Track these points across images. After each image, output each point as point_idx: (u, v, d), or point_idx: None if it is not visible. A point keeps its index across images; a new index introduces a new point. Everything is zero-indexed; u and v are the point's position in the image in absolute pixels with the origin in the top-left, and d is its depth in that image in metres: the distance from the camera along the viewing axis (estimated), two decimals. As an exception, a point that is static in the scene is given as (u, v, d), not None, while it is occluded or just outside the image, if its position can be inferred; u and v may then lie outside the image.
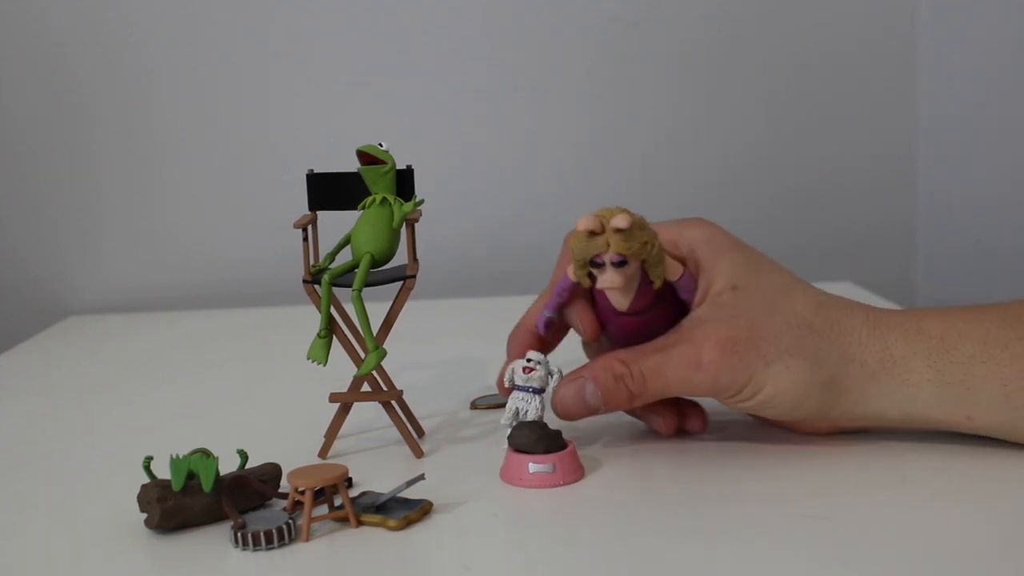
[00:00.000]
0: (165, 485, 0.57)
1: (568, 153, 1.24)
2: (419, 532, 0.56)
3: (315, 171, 0.68)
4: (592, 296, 0.64)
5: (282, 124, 1.21)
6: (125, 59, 1.18)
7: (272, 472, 0.60)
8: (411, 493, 0.58)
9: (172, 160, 1.21)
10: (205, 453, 0.58)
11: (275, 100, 1.21)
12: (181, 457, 0.57)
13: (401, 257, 0.67)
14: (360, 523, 0.56)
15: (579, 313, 0.64)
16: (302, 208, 0.68)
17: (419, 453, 0.67)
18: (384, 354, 0.65)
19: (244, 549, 0.54)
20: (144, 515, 0.57)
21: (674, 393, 0.63)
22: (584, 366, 0.64)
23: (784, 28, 1.23)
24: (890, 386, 0.61)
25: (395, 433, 0.68)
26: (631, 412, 0.68)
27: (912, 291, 1.27)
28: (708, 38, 1.23)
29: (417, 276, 0.66)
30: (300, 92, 1.21)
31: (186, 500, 0.56)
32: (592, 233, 0.58)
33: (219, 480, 0.57)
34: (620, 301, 0.61)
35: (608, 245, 0.58)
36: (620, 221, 0.58)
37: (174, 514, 0.56)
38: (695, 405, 0.68)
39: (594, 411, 0.63)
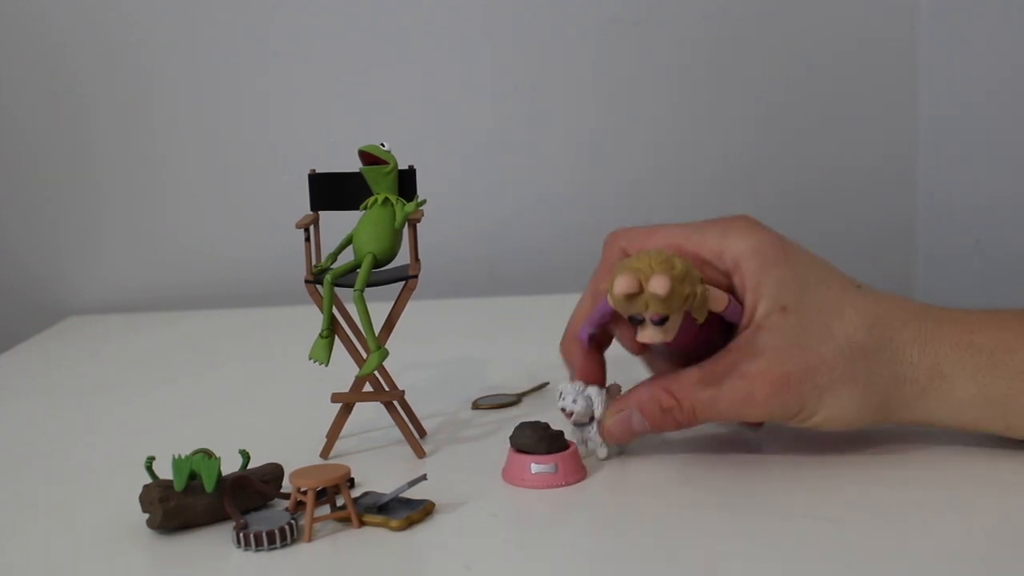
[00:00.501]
0: (167, 485, 0.57)
1: (569, 153, 1.24)
2: (421, 532, 0.55)
3: (317, 171, 0.68)
4: None
5: (282, 124, 1.21)
6: (125, 59, 1.18)
7: (274, 472, 0.60)
8: (413, 493, 0.58)
9: (172, 160, 1.21)
10: (207, 453, 0.58)
11: (275, 100, 1.21)
12: (183, 457, 0.57)
13: (403, 257, 0.67)
14: (362, 523, 0.56)
15: (622, 333, 0.64)
16: (303, 208, 0.68)
17: (421, 453, 0.67)
18: (386, 354, 0.65)
19: (246, 549, 0.54)
20: (146, 515, 0.57)
21: (726, 421, 0.65)
22: (631, 392, 0.64)
23: (784, 29, 1.23)
24: (937, 401, 0.61)
25: (397, 433, 0.68)
26: None
27: (912, 291, 1.27)
28: (708, 38, 1.23)
29: (419, 276, 0.66)
30: (300, 92, 1.21)
31: (188, 500, 0.56)
32: (630, 295, 0.56)
33: (221, 480, 0.57)
34: (665, 336, 0.58)
35: (647, 305, 0.56)
36: (659, 287, 0.55)
37: (176, 514, 0.56)
38: None
39: (642, 434, 0.64)
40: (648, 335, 0.57)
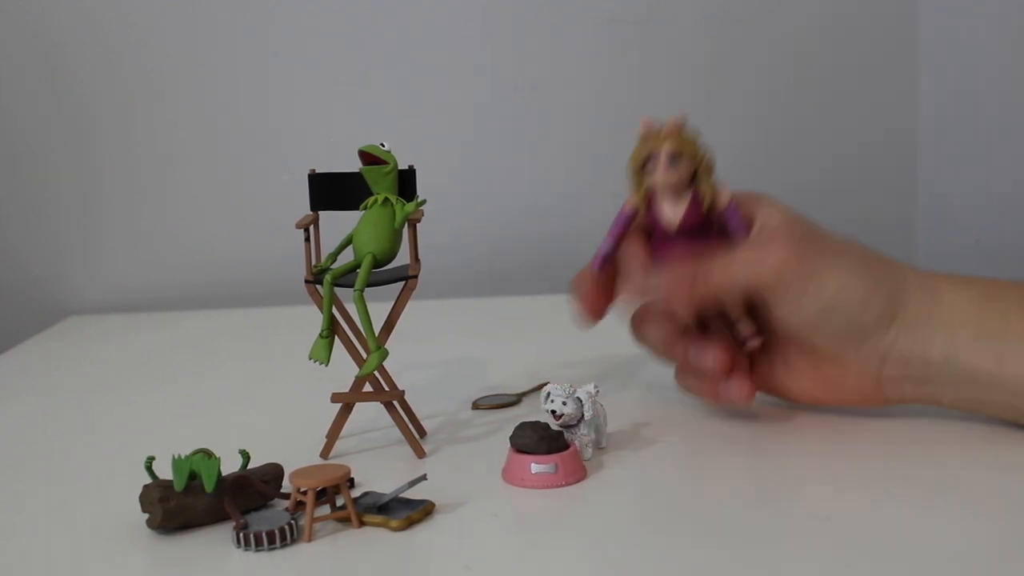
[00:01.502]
0: (167, 485, 0.57)
1: (569, 153, 1.24)
2: (421, 532, 0.55)
3: (317, 171, 0.68)
4: (646, 231, 0.67)
5: (283, 124, 1.21)
6: (125, 59, 1.18)
7: (274, 472, 0.60)
8: (413, 493, 0.58)
9: (172, 160, 1.21)
10: (207, 453, 0.58)
11: (275, 100, 1.21)
12: (183, 457, 0.57)
13: (403, 257, 0.67)
14: (362, 523, 0.56)
15: (632, 250, 0.66)
16: (303, 208, 0.68)
17: (421, 453, 0.67)
18: (386, 354, 0.65)
19: (246, 549, 0.54)
20: (146, 515, 0.57)
21: (739, 287, 0.64)
22: (652, 272, 0.66)
23: (784, 28, 1.24)
24: (936, 325, 0.63)
25: (397, 433, 0.68)
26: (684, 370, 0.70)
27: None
28: (708, 38, 1.23)
29: (419, 276, 0.66)
30: (300, 92, 1.21)
31: (188, 500, 0.56)
32: (647, 138, 0.64)
33: (221, 480, 0.57)
34: (673, 211, 0.64)
35: (662, 142, 0.63)
36: (675, 119, 0.63)
37: (176, 514, 0.56)
38: (745, 372, 0.68)
39: (654, 297, 0.64)
40: (662, 174, 0.63)
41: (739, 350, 0.68)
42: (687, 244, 0.65)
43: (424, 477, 0.58)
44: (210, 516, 0.57)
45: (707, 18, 1.22)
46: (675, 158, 0.63)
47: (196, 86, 1.20)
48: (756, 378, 0.69)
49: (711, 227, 0.65)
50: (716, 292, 0.64)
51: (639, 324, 0.71)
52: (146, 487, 0.57)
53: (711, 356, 0.67)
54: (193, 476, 0.57)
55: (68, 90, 1.19)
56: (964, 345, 0.63)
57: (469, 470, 0.64)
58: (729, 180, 0.66)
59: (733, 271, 0.63)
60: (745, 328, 0.68)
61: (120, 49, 1.18)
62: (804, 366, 0.68)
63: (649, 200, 0.65)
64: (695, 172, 0.64)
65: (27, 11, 1.17)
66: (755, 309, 0.67)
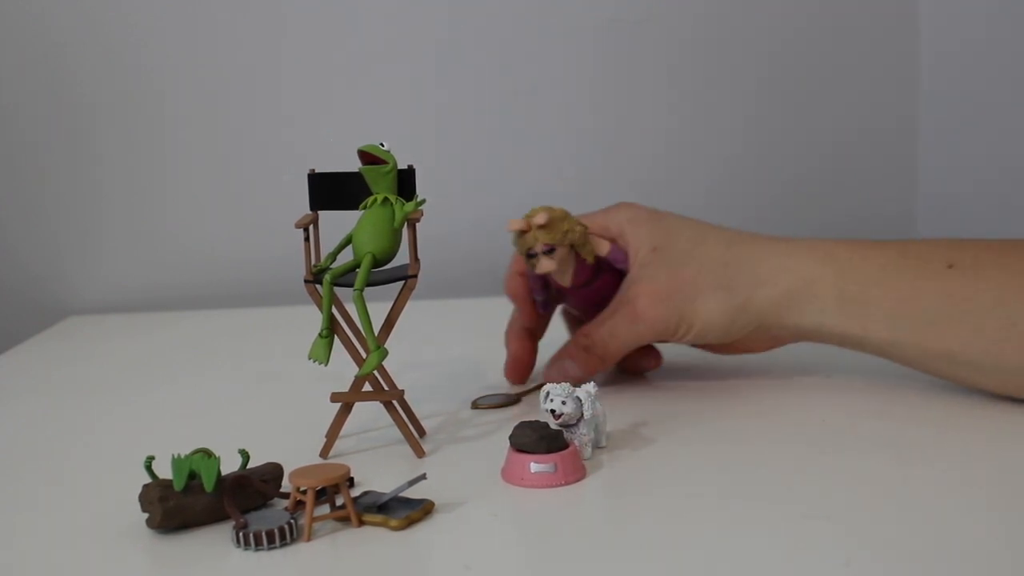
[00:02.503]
0: (167, 485, 0.57)
1: (570, 154, 1.24)
2: (420, 532, 0.55)
3: (316, 171, 0.68)
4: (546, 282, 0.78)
5: (283, 124, 1.21)
6: (125, 59, 1.18)
7: (274, 472, 0.60)
8: (412, 493, 0.58)
9: (172, 160, 1.21)
10: (207, 453, 0.58)
11: (275, 100, 1.21)
12: (183, 457, 0.57)
13: (402, 257, 0.67)
14: (362, 523, 0.56)
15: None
16: (303, 208, 0.68)
17: (420, 453, 0.67)
18: (385, 354, 0.65)
19: (246, 549, 0.54)
20: (146, 515, 0.57)
21: (630, 347, 0.76)
22: (563, 346, 0.78)
23: (785, 28, 1.24)
24: (802, 301, 0.73)
25: (396, 433, 0.68)
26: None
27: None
28: (708, 38, 1.23)
29: (418, 276, 0.66)
30: (300, 92, 1.21)
31: (188, 500, 0.56)
32: (522, 233, 0.73)
33: (221, 480, 0.57)
34: (563, 278, 0.76)
35: (536, 239, 0.72)
36: (539, 219, 0.72)
37: (176, 514, 0.56)
38: (653, 348, 0.82)
39: (581, 380, 0.70)
40: (543, 265, 0.73)
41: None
42: (585, 294, 0.77)
43: (424, 477, 0.58)
44: (210, 516, 0.57)
45: (707, 17, 1.22)
46: (549, 251, 0.73)
47: (196, 86, 1.20)
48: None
49: (599, 270, 0.76)
50: (614, 357, 0.76)
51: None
52: (146, 487, 0.57)
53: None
54: (193, 476, 0.57)
55: (68, 90, 1.19)
56: (831, 316, 0.72)
57: (469, 470, 0.64)
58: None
59: (619, 336, 0.75)
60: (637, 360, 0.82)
61: (120, 49, 1.18)
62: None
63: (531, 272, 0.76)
64: (571, 245, 0.73)
65: (27, 11, 1.17)
66: None
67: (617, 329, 0.75)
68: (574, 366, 0.76)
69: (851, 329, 0.72)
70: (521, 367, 0.81)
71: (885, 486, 0.59)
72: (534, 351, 0.81)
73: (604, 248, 0.75)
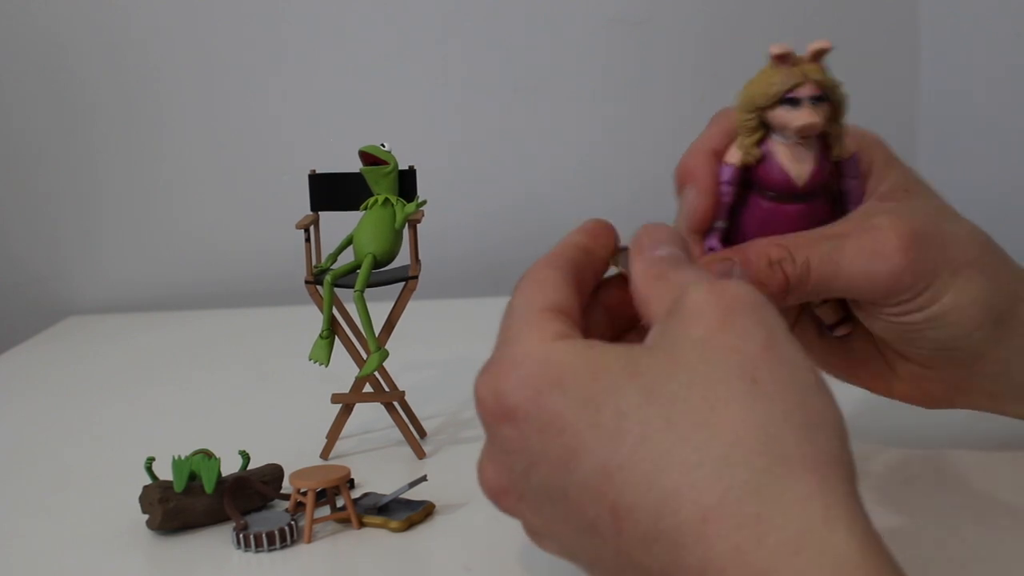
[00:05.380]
0: (167, 486, 0.57)
1: (570, 155, 1.24)
2: (421, 533, 0.55)
3: (317, 171, 0.68)
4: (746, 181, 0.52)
5: (283, 124, 1.20)
6: (126, 56, 1.18)
7: (274, 473, 0.60)
8: (413, 494, 0.58)
9: (173, 160, 1.21)
10: (207, 454, 0.58)
11: (276, 100, 1.21)
12: (183, 458, 0.57)
13: (403, 258, 0.67)
14: (362, 524, 0.56)
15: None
16: (304, 208, 0.68)
17: (421, 454, 0.67)
18: (386, 355, 0.65)
19: (246, 550, 0.54)
20: (146, 516, 0.57)
21: (842, 288, 0.51)
22: (733, 248, 0.51)
23: (785, 29, 1.23)
24: None
25: (397, 434, 0.68)
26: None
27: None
28: (710, 38, 1.23)
29: (419, 277, 0.66)
30: (301, 92, 1.20)
31: (188, 501, 0.56)
32: (781, 63, 0.50)
33: (221, 481, 0.57)
34: (797, 166, 0.51)
35: (804, 75, 0.49)
36: (823, 42, 0.49)
37: (176, 515, 0.56)
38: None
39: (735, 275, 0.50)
40: (806, 115, 0.49)
41: None
42: (798, 212, 0.51)
43: (424, 478, 0.58)
44: (210, 517, 0.57)
45: (709, 17, 1.22)
46: (820, 98, 0.50)
47: (197, 85, 1.20)
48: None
49: (829, 186, 0.52)
50: (807, 290, 0.51)
51: None
52: (146, 488, 0.57)
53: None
54: (193, 477, 0.57)
55: (68, 89, 1.19)
56: None
57: (469, 470, 0.63)
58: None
59: (839, 265, 0.50)
60: (829, 315, 0.56)
61: (121, 46, 1.18)
62: (875, 361, 0.57)
63: (764, 149, 0.51)
64: (834, 120, 0.51)
65: (27, 9, 1.17)
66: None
67: (841, 256, 0.50)
68: (742, 276, 0.50)
69: None
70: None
71: (888, 487, 0.59)
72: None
73: (850, 143, 0.52)
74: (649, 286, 0.43)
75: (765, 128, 0.51)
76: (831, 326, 0.56)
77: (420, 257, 0.67)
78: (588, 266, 0.48)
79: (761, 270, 0.50)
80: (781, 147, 0.51)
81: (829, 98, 0.50)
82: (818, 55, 0.50)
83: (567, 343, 0.40)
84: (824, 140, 0.51)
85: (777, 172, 0.50)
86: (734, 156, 0.51)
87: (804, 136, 0.50)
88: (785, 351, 0.38)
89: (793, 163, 0.50)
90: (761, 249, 0.51)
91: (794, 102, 0.49)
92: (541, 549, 0.44)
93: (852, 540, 0.34)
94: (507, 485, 0.41)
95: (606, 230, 0.50)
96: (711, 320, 0.38)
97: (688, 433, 0.36)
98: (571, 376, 0.38)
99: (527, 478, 0.40)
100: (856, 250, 0.50)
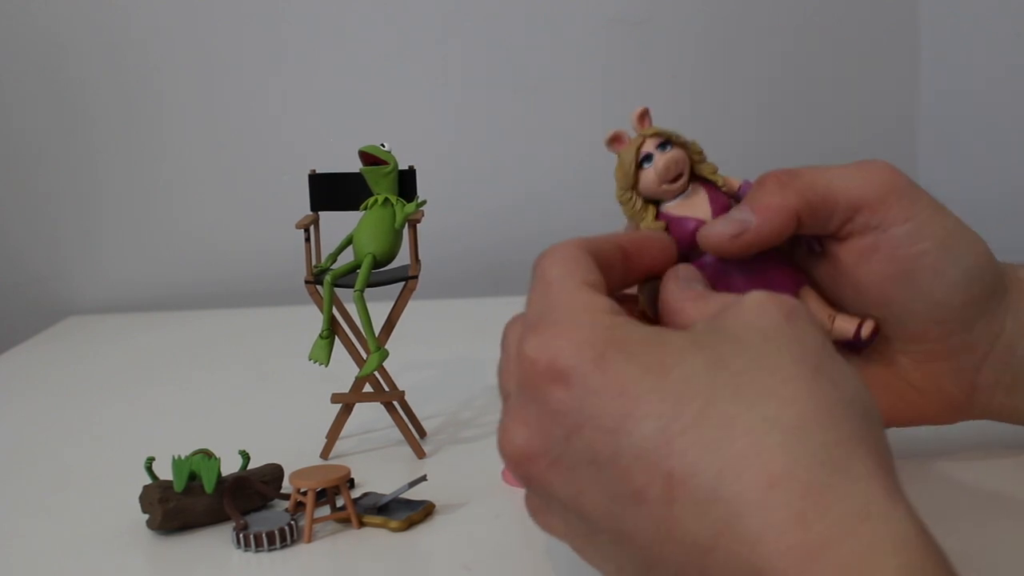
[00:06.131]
0: (167, 486, 0.57)
1: (570, 154, 1.24)
2: (421, 533, 0.55)
3: (317, 171, 0.68)
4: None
5: (283, 124, 1.21)
6: (126, 56, 1.18)
7: (274, 473, 0.60)
8: (413, 494, 0.58)
9: (173, 160, 1.21)
10: (207, 454, 0.58)
11: (276, 100, 1.21)
12: (183, 458, 0.57)
13: (403, 258, 0.67)
14: (362, 524, 0.56)
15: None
16: (304, 208, 0.68)
17: (421, 454, 0.67)
18: (386, 355, 0.65)
19: (246, 550, 0.54)
20: (146, 516, 0.57)
21: (836, 200, 0.53)
22: (742, 204, 0.54)
23: (786, 30, 1.23)
24: None
25: (397, 434, 0.68)
26: None
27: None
28: (710, 38, 1.23)
29: (419, 277, 0.66)
30: (301, 92, 1.21)
31: (188, 501, 0.56)
32: (619, 144, 0.54)
33: (221, 481, 0.57)
34: (694, 208, 0.53)
35: (643, 137, 0.53)
36: (640, 108, 0.54)
37: (176, 515, 0.56)
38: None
39: (743, 229, 0.51)
40: (665, 158, 0.52)
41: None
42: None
43: (424, 478, 0.58)
44: (210, 517, 0.57)
45: (709, 18, 1.22)
46: (665, 144, 0.53)
47: (197, 85, 1.20)
48: None
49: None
50: (811, 201, 0.52)
51: None
52: (146, 487, 0.57)
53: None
54: (193, 477, 0.57)
55: (68, 89, 1.19)
56: None
57: (469, 470, 0.64)
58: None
59: (832, 181, 0.52)
60: (846, 322, 0.55)
61: (121, 46, 1.18)
62: (889, 379, 0.56)
63: (663, 218, 0.53)
64: (690, 162, 0.54)
65: (27, 9, 1.17)
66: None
67: (830, 172, 0.53)
68: (751, 215, 0.52)
69: None
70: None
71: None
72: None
73: (733, 179, 0.56)
74: (686, 300, 0.44)
75: (653, 203, 0.54)
76: (852, 340, 0.55)
77: (420, 257, 0.67)
78: (619, 269, 0.47)
79: (771, 190, 0.53)
80: (674, 207, 0.53)
81: (674, 143, 0.53)
82: (642, 118, 0.54)
83: (624, 316, 0.40)
84: (704, 182, 0.54)
85: (686, 224, 0.53)
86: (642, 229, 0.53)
87: (674, 177, 0.53)
88: (837, 354, 0.40)
89: (692, 210, 0.53)
90: (769, 175, 0.54)
91: (648, 158, 0.53)
92: (542, 529, 0.43)
93: (912, 517, 0.35)
94: (539, 449, 0.39)
95: (664, 252, 0.50)
96: (775, 315, 0.39)
97: (756, 402, 0.36)
98: (637, 343, 0.38)
99: (568, 442, 0.38)
100: (842, 170, 0.53)
